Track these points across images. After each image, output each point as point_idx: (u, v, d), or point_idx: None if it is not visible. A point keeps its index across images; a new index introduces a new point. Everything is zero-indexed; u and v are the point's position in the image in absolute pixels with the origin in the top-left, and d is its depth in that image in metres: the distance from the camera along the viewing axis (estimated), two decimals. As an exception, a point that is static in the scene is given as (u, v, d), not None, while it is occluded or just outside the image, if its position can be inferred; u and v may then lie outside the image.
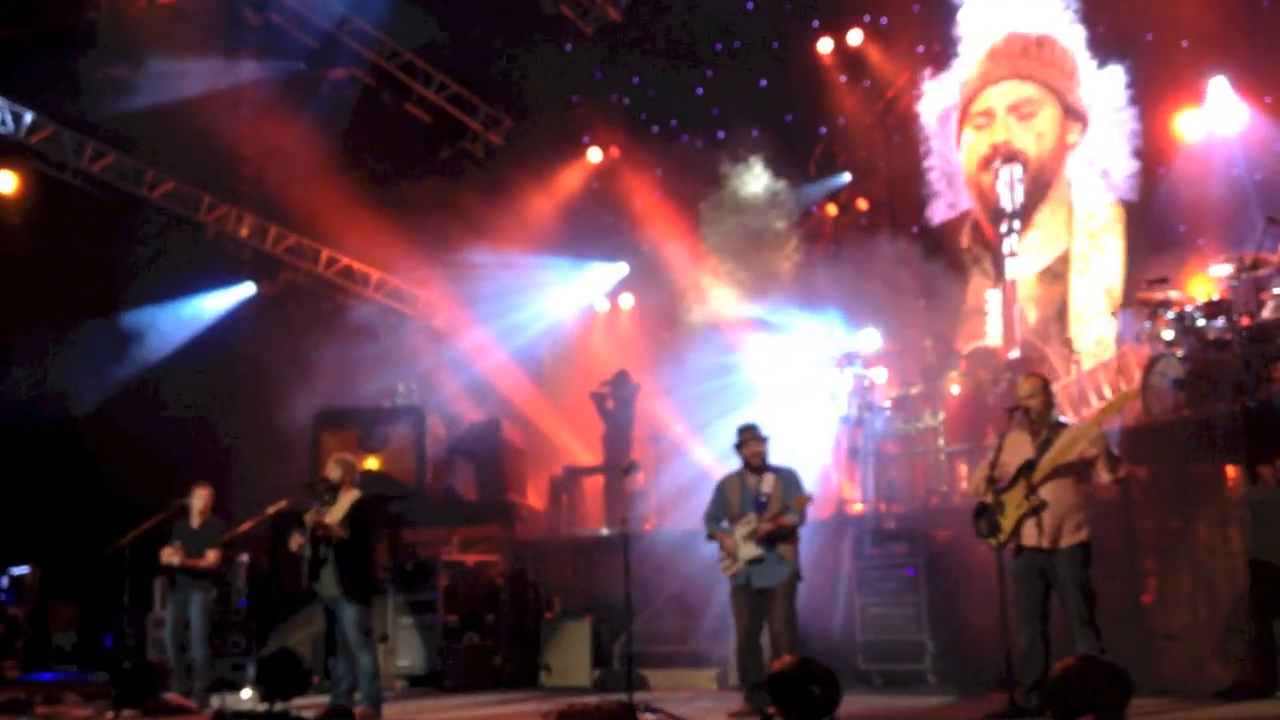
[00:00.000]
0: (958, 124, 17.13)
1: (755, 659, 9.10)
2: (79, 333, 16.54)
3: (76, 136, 15.57)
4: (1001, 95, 16.75)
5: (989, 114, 16.83)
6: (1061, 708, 6.77)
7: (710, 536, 9.37)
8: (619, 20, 18.64)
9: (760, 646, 9.14)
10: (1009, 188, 16.17)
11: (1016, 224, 16.22)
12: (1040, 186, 16.27)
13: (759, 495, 9.10)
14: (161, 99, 15.88)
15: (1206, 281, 11.33)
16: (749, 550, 9.03)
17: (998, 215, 16.41)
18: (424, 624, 13.20)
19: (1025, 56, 16.62)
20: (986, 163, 16.66)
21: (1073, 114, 16.16)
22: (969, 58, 17.03)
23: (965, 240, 17.05)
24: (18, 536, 16.16)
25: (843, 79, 17.85)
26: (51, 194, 15.66)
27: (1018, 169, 16.16)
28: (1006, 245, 16.25)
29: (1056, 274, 16.05)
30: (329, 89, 17.69)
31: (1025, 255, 16.24)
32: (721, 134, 18.21)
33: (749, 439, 9.32)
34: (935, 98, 17.25)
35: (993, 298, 16.32)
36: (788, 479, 9.22)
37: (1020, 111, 16.52)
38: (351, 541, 9.67)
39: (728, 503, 9.31)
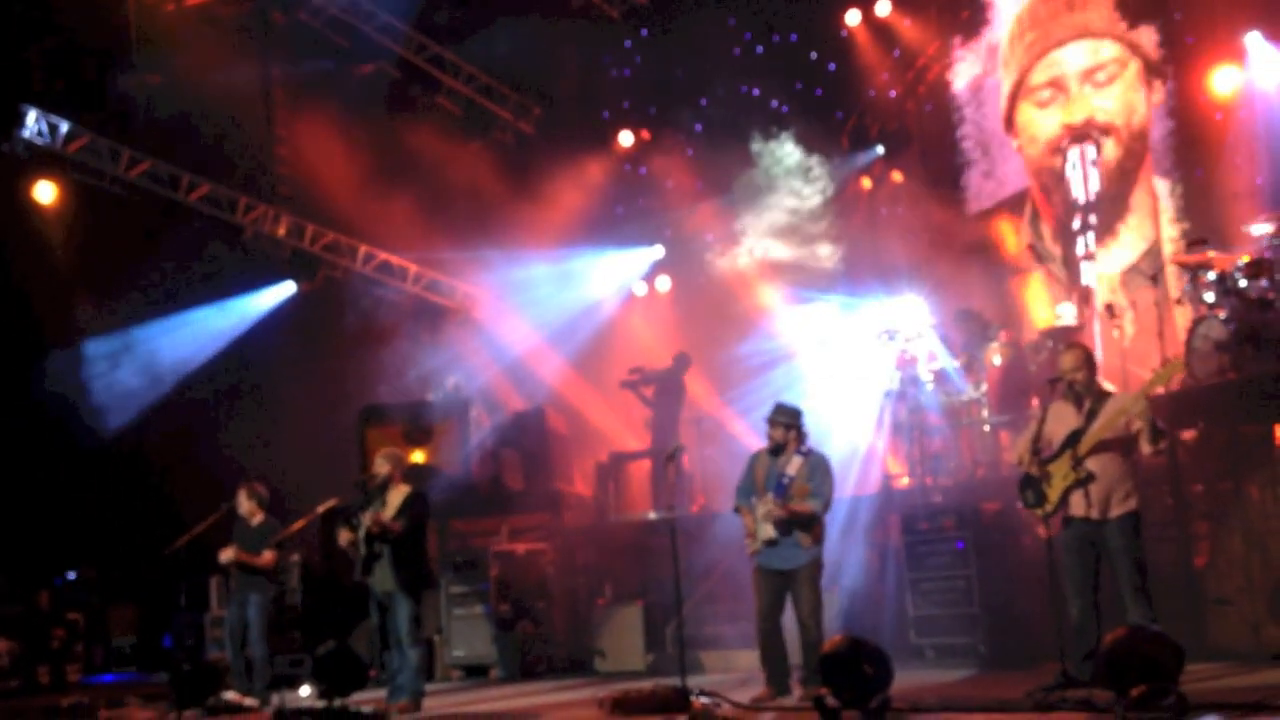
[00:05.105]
0: (1008, 102, 15.98)
1: (775, 640, 9.03)
2: (122, 340, 16.74)
3: (112, 144, 15.57)
4: (1071, 60, 15.20)
5: (1057, 84, 15.31)
6: (1114, 678, 6.75)
7: (736, 510, 9.32)
8: (645, 3, 18.60)
9: (781, 628, 9.06)
10: (1084, 173, 14.76)
11: (1093, 218, 14.76)
12: (1128, 170, 14.71)
13: (781, 476, 9.01)
14: (194, 102, 16.03)
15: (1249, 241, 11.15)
16: (765, 531, 8.95)
17: (1072, 210, 14.97)
18: (477, 614, 13.33)
19: (1084, 7, 15.07)
20: (1059, 147, 15.18)
21: (1153, 69, 14.51)
22: (1007, 22, 16.02)
23: (1025, 237, 15.74)
24: (76, 541, 16.43)
25: (871, 51, 17.71)
26: (90, 203, 15.79)
27: (1090, 149, 14.74)
28: (1080, 245, 14.88)
29: (1144, 273, 13.89)
30: (359, 85, 17.77)
31: (1105, 253, 14.75)
32: (752, 112, 18.10)
33: (769, 420, 9.24)
34: (967, 66, 17.02)
35: (1066, 312, 13.87)
36: (815, 466, 9.06)
37: (1095, 78, 14.95)
38: (406, 536, 9.79)
39: (755, 478, 9.24)
